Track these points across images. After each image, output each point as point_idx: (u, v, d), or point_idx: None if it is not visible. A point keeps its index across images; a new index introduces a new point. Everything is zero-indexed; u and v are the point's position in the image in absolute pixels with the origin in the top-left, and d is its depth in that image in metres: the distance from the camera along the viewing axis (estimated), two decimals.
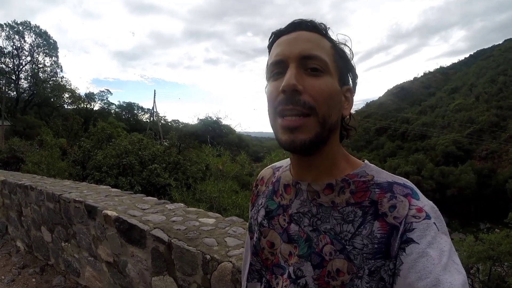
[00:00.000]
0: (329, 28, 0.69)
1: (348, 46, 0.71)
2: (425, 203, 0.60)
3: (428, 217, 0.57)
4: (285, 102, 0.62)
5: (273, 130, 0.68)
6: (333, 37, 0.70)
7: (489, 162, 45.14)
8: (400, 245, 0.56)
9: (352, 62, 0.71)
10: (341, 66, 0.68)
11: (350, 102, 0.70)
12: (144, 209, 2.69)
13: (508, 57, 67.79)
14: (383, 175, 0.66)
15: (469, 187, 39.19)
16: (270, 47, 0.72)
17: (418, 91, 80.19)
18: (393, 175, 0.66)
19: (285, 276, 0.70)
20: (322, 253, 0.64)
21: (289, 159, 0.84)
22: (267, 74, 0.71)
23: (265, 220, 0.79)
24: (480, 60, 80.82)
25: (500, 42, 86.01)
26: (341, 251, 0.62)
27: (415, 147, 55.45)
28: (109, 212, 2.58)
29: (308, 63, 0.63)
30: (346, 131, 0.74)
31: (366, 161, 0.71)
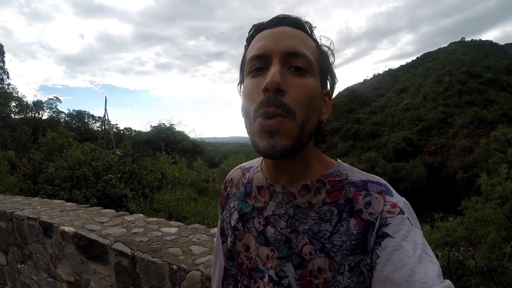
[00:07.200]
0: (315, 27, 0.67)
1: (331, 49, 0.69)
2: (399, 199, 0.62)
3: (402, 212, 0.59)
4: (267, 103, 0.58)
5: (248, 133, 0.64)
6: (318, 39, 0.69)
7: (438, 156, 48.04)
8: (376, 240, 0.58)
9: (332, 66, 0.70)
10: (324, 68, 0.67)
11: (328, 106, 0.69)
12: (103, 223, 2.59)
13: (453, 59, 72.64)
14: (357, 174, 0.67)
15: (421, 180, 41.49)
16: (249, 40, 0.68)
17: (368, 93, 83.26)
18: (366, 173, 0.68)
19: (266, 279, 0.69)
20: (302, 254, 0.64)
21: (258, 159, 0.82)
22: (245, 70, 0.67)
23: (240, 223, 0.77)
24: (427, 62, 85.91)
25: (446, 45, 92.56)
26: (321, 249, 0.62)
27: (368, 146, 57.76)
28: (66, 228, 2.45)
29: (293, 61, 0.60)
30: (322, 136, 0.72)
31: (339, 160, 0.72)
